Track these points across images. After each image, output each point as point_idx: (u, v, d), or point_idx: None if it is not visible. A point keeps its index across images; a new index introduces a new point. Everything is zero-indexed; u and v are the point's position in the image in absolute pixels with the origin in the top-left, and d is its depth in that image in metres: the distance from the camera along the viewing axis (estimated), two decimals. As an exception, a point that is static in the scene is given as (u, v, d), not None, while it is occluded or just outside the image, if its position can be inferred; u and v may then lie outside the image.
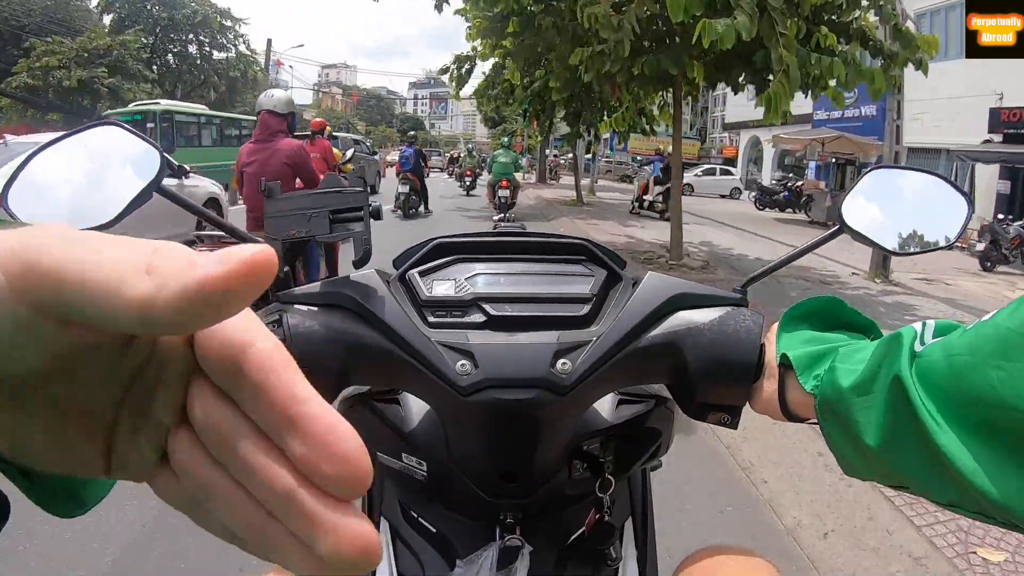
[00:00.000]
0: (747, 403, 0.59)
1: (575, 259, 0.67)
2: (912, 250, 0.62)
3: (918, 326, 0.44)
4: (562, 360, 0.57)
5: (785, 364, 0.53)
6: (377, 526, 0.71)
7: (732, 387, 0.58)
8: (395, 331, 0.58)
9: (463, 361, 0.57)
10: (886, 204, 0.63)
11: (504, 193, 10.81)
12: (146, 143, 0.58)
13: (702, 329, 0.59)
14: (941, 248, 0.61)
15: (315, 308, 0.60)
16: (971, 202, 0.62)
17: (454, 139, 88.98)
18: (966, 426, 0.39)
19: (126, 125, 0.59)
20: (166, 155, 0.58)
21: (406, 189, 10.70)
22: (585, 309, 0.61)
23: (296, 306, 0.60)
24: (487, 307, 0.61)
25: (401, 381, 0.61)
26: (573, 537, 0.67)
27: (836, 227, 0.62)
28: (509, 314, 0.61)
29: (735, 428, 0.61)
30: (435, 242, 0.67)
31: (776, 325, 0.57)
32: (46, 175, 0.56)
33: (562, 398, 0.57)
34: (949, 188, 0.63)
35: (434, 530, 0.68)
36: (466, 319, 0.61)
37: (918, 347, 0.43)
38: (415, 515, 0.70)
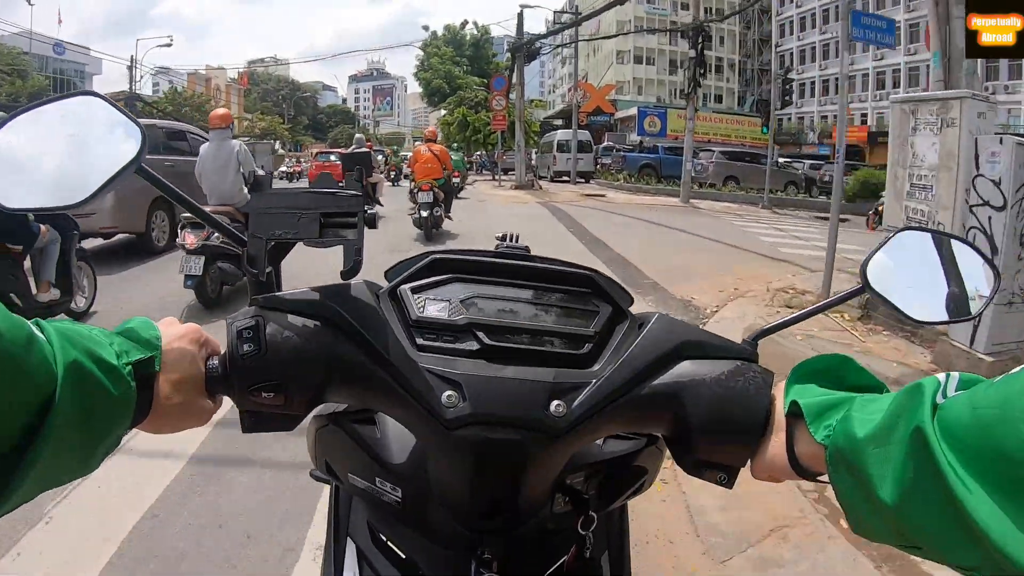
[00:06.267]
0: (747, 463, 0.58)
1: (580, 291, 0.65)
2: (936, 319, 0.63)
3: (941, 377, 0.43)
4: (557, 402, 0.55)
5: (795, 413, 0.52)
6: (343, 547, 0.71)
7: (734, 447, 0.57)
8: (379, 352, 0.56)
9: (450, 392, 0.55)
10: (911, 268, 0.62)
11: (457, 180, 12.80)
12: (128, 119, 0.57)
13: (707, 382, 0.57)
14: (964, 320, 0.62)
15: (296, 317, 0.57)
16: (997, 272, 0.63)
17: (399, 137, 74.40)
18: (993, 484, 0.37)
19: (109, 98, 0.58)
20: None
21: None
22: (586, 348, 0.60)
23: (276, 312, 0.57)
24: (481, 335, 0.59)
25: (382, 404, 0.59)
26: (550, 571, 0.65)
27: (859, 286, 0.62)
28: (504, 345, 0.59)
29: (730, 487, 0.59)
30: (431, 257, 0.65)
31: (783, 382, 0.57)
32: (20, 144, 0.54)
33: (553, 441, 0.55)
34: (974, 255, 0.63)
35: (404, 556, 0.66)
36: (457, 346, 0.59)
37: (939, 399, 0.42)
38: (384, 539, 0.68)
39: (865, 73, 40.12)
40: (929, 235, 0.64)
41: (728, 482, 0.58)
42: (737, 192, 20.65)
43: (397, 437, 0.66)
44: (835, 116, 42.34)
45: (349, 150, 13.09)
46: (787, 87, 19.28)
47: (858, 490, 0.46)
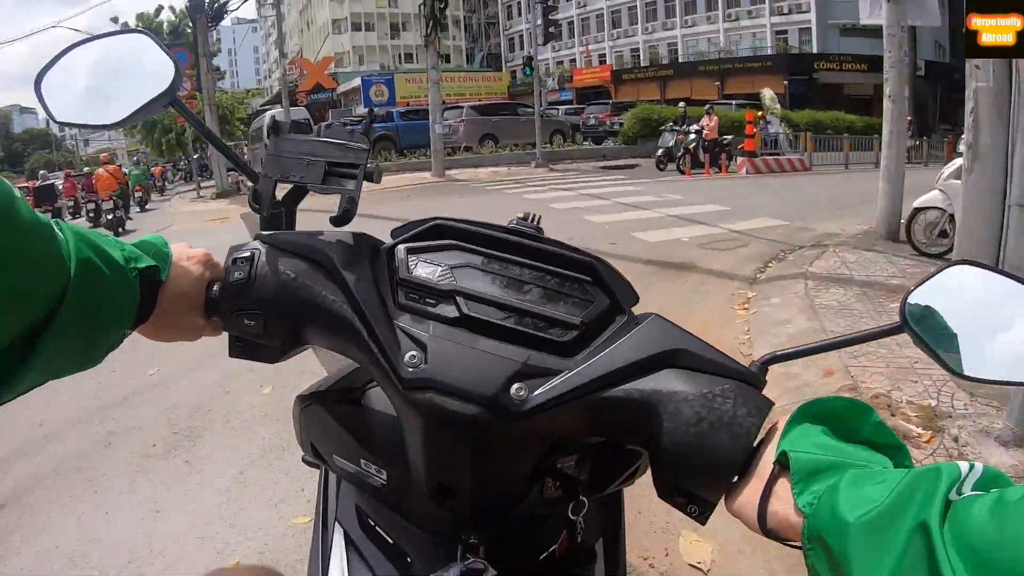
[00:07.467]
0: (722, 499, 0.51)
1: (580, 278, 0.62)
2: (985, 376, 0.52)
3: (963, 467, 0.37)
4: (518, 384, 0.53)
5: (782, 463, 0.46)
6: (331, 531, 0.70)
7: (707, 478, 0.50)
8: (357, 301, 0.57)
9: (414, 352, 0.54)
10: (963, 310, 0.54)
11: (139, 194, 16.60)
12: (167, 56, 0.63)
13: (689, 398, 0.51)
14: (1020, 384, 0.59)
15: (290, 256, 0.60)
16: None
17: (113, 151, 62.07)
18: None
19: (155, 36, 0.64)
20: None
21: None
22: (570, 336, 0.57)
23: (273, 249, 0.61)
24: (461, 303, 0.58)
25: (353, 353, 0.60)
26: (541, 557, 0.64)
27: (897, 324, 0.54)
28: (480, 317, 0.57)
29: (702, 523, 0.53)
30: (435, 221, 0.65)
31: (785, 420, 0.50)
32: (75, 68, 0.61)
33: (510, 425, 0.53)
34: None
35: (391, 541, 0.65)
36: (436, 310, 0.58)
37: (954, 495, 0.36)
38: (372, 523, 0.67)
39: (599, 14, 40.38)
40: (992, 274, 0.55)
41: (699, 516, 0.52)
42: (501, 152, 17.83)
43: (382, 418, 0.65)
44: (572, 60, 42.07)
45: (36, 184, 16.24)
46: (549, 17, 16.56)
47: None
